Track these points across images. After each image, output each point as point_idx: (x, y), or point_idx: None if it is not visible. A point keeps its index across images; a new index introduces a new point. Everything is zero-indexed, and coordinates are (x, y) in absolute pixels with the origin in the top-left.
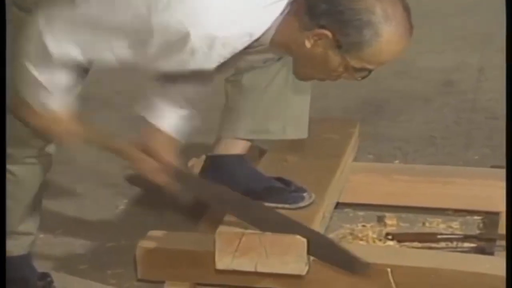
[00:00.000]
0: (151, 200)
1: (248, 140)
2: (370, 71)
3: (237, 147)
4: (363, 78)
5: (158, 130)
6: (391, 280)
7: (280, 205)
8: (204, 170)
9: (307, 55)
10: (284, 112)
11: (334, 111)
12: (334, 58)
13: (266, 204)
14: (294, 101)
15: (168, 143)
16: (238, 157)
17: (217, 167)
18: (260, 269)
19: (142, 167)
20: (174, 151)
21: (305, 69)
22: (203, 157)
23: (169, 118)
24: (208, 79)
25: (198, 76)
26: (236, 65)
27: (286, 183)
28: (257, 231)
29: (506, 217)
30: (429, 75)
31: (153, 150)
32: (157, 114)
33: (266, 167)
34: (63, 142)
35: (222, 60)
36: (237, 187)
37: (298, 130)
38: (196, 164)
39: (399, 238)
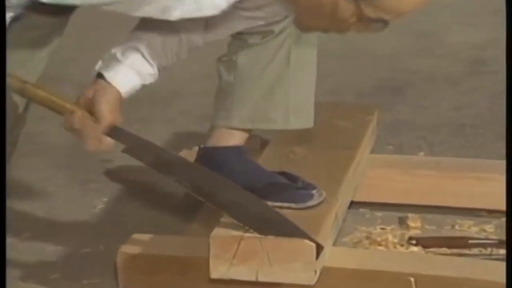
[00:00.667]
0: (135, 198)
1: (245, 129)
2: (386, 23)
3: (234, 138)
4: (377, 31)
5: (110, 86)
6: None
7: (285, 204)
8: (199, 162)
9: (315, 2)
10: (286, 97)
11: (347, 95)
12: (347, 6)
13: (269, 203)
14: (297, 84)
15: (116, 102)
16: (236, 149)
17: (212, 160)
18: (262, 278)
19: (80, 125)
20: (118, 112)
21: (310, 19)
22: (196, 148)
23: (127, 75)
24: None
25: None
26: (230, 27)
27: (292, 178)
28: (258, 235)
29: (506, 218)
30: (458, 52)
31: (96, 106)
32: (115, 69)
33: (269, 161)
34: None
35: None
36: (238, 182)
37: (302, 119)
38: (187, 157)
39: (424, 243)
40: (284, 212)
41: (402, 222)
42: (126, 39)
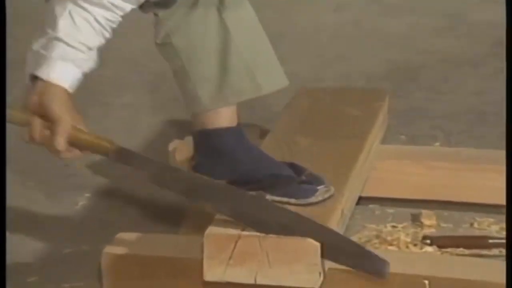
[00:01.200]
0: (121, 193)
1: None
2: None
3: (223, 119)
4: None
5: (51, 85)
6: None
7: (284, 199)
8: (198, 150)
9: None
10: (244, 63)
11: (356, 80)
12: None
13: (268, 196)
14: (248, 46)
15: (65, 99)
16: (235, 129)
17: (210, 144)
18: (261, 281)
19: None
20: (72, 109)
21: None
22: (188, 138)
23: (62, 68)
24: None
25: None
26: None
27: (299, 170)
28: (257, 233)
29: (506, 217)
30: (480, 31)
31: (49, 112)
32: (47, 66)
33: (268, 152)
34: None
35: None
36: (236, 170)
37: (273, 80)
38: (179, 148)
39: (440, 242)
40: (285, 207)
41: (415, 219)
42: (40, 31)
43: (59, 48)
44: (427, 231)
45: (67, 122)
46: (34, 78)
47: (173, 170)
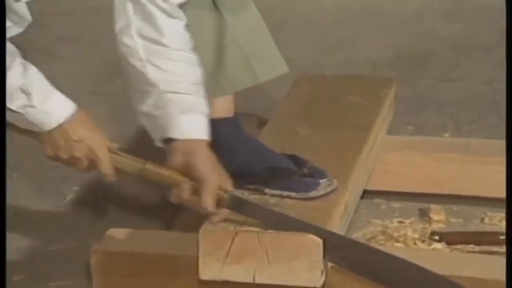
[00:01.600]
0: (111, 187)
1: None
2: None
3: (219, 109)
4: None
5: (192, 142)
6: None
7: (285, 193)
8: None
9: None
10: (240, 52)
11: (360, 66)
12: None
13: (267, 190)
14: (245, 34)
15: (210, 155)
16: (232, 120)
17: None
18: (260, 279)
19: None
20: (216, 164)
21: None
22: None
23: (197, 120)
24: None
25: None
26: None
27: (300, 163)
28: (256, 229)
29: (506, 217)
30: (491, 16)
31: (198, 171)
32: (182, 123)
33: (267, 143)
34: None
35: None
36: (233, 163)
37: (272, 67)
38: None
39: (449, 239)
40: (285, 202)
41: (423, 214)
42: (134, 90)
43: (172, 101)
44: (435, 227)
45: (214, 181)
46: (167, 140)
47: (289, 219)
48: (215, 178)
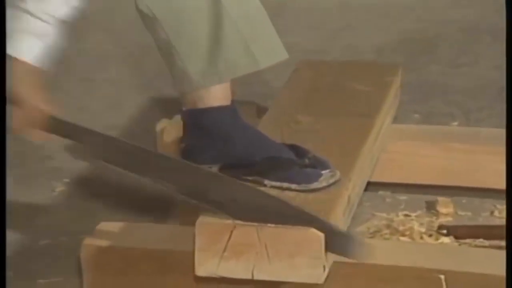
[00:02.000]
0: (103, 179)
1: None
2: None
3: (215, 98)
4: None
5: (17, 62)
6: None
7: (284, 184)
8: (188, 131)
9: None
10: (238, 34)
11: (365, 52)
12: None
13: (266, 182)
14: (241, 16)
15: (34, 79)
16: (229, 109)
17: (202, 126)
18: (259, 275)
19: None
20: (42, 89)
21: None
22: (177, 118)
23: (27, 40)
24: None
25: None
26: None
27: (302, 153)
28: (255, 223)
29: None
30: None
31: (17, 95)
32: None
33: (266, 132)
34: None
35: None
36: (230, 153)
37: (271, 53)
38: (167, 129)
39: (457, 232)
40: (285, 194)
41: (430, 207)
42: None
43: (24, 21)
44: (443, 220)
45: (32, 105)
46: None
47: (107, 138)
48: (33, 103)
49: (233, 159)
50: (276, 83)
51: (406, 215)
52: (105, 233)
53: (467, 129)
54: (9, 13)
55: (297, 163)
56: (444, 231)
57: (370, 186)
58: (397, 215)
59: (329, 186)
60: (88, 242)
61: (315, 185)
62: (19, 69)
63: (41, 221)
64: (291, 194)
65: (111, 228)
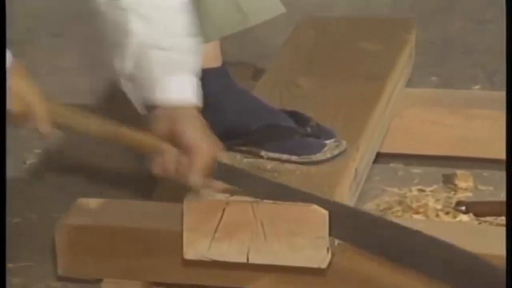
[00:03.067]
0: (79, 150)
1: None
2: None
3: (205, 58)
4: None
5: (181, 108)
6: None
7: (284, 156)
8: None
9: None
10: None
11: (376, 6)
12: None
13: (263, 153)
14: None
15: (200, 121)
16: (219, 70)
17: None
18: (255, 258)
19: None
20: (207, 131)
21: None
22: None
23: (186, 82)
24: None
25: None
26: None
27: (303, 121)
28: (250, 198)
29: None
30: None
31: (186, 140)
32: (168, 84)
33: (263, 97)
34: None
35: None
36: (222, 121)
37: (264, 6)
38: None
39: (477, 209)
40: (285, 167)
41: (447, 181)
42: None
43: (156, 60)
44: (461, 196)
45: (206, 152)
46: (151, 107)
47: (288, 190)
48: (206, 148)
49: (225, 128)
50: (275, 42)
51: (420, 190)
52: (82, 211)
53: (491, 93)
54: (148, 56)
55: (298, 132)
56: (463, 208)
57: (380, 157)
58: (410, 190)
59: (333, 157)
60: (64, 221)
61: (318, 156)
62: (189, 114)
63: (10, 196)
64: (291, 167)
65: (89, 205)
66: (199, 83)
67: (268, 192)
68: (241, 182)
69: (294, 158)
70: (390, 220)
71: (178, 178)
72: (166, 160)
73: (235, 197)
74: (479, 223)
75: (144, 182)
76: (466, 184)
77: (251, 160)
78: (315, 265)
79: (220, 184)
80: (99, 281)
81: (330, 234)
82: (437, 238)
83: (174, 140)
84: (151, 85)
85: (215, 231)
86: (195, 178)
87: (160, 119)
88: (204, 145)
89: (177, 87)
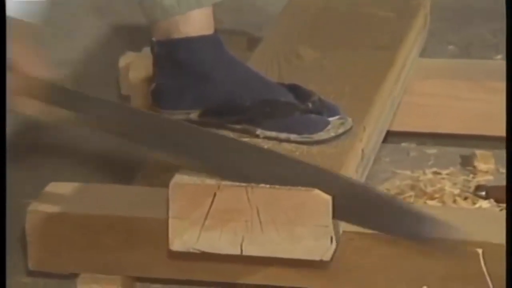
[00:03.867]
0: (52, 128)
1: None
2: None
3: (194, 24)
4: None
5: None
6: (484, 268)
7: (283, 135)
8: (160, 67)
9: None
10: None
11: None
12: None
13: (259, 131)
14: None
15: (28, 38)
16: (210, 38)
17: (178, 59)
18: (250, 250)
19: None
20: (38, 50)
21: None
22: (146, 51)
23: None
24: None
25: None
26: None
27: (302, 95)
28: (244, 183)
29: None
30: None
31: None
32: None
33: (260, 69)
34: None
35: None
36: (213, 94)
37: None
38: (133, 64)
39: (499, 195)
40: (283, 147)
41: (466, 163)
42: None
43: None
44: (481, 179)
45: (23, 68)
46: None
47: (137, 113)
48: (25, 66)
49: (216, 103)
50: (273, 9)
51: (435, 173)
52: (55, 196)
53: None
54: None
55: (298, 108)
56: (483, 193)
57: (391, 136)
58: (424, 173)
59: (338, 136)
60: (34, 208)
61: (320, 135)
62: (14, 28)
63: None
64: (289, 147)
65: (63, 190)
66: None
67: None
68: (84, 109)
69: (293, 137)
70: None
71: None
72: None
73: (228, 182)
74: (501, 210)
75: (125, 165)
76: (486, 166)
77: (246, 139)
78: (317, 258)
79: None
80: (74, 276)
81: (334, 217)
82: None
83: None
84: None
85: (204, 219)
86: (13, 99)
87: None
88: (28, 62)
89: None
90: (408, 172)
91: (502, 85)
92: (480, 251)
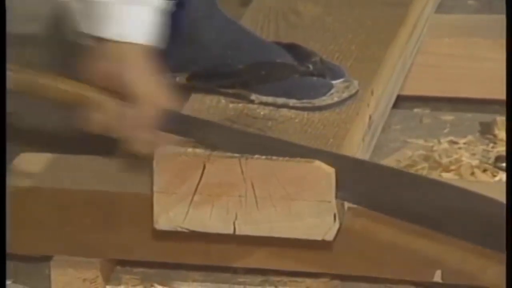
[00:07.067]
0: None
1: None
2: None
3: None
4: None
5: (131, 48)
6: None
7: (280, 100)
8: None
9: None
10: None
11: None
12: None
13: (254, 96)
14: None
15: (149, 64)
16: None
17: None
18: (244, 229)
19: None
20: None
21: None
22: None
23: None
24: None
25: None
26: None
27: (302, 56)
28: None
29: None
30: None
31: (128, 85)
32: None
33: (254, 27)
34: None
35: None
36: (203, 56)
37: None
38: None
39: None
40: (281, 114)
41: (485, 131)
42: None
43: None
44: (502, 150)
45: (155, 100)
46: (96, 40)
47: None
48: (156, 97)
49: (206, 65)
50: None
51: (451, 142)
52: (25, 169)
53: None
54: None
55: (297, 70)
56: (503, 165)
57: (402, 101)
58: (439, 142)
59: (342, 101)
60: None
61: (322, 100)
62: (134, 54)
63: None
64: (288, 114)
65: (35, 161)
66: (162, 19)
67: (243, 147)
68: (201, 134)
69: (292, 102)
70: (416, 174)
71: (122, 135)
72: (106, 115)
73: (218, 152)
74: None
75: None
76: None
77: (239, 105)
78: (318, 237)
79: (172, 138)
80: (48, 258)
81: (337, 197)
82: (478, 193)
83: (115, 86)
84: (103, 12)
85: (193, 194)
86: (143, 133)
87: (102, 56)
88: (153, 93)
89: (134, 19)
90: (421, 141)
91: None
92: None
